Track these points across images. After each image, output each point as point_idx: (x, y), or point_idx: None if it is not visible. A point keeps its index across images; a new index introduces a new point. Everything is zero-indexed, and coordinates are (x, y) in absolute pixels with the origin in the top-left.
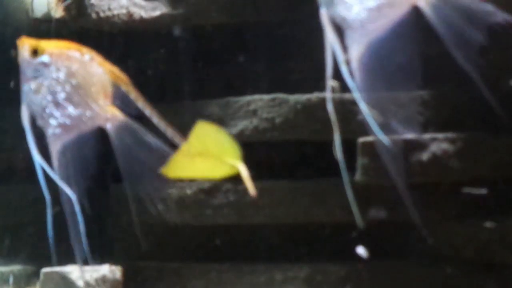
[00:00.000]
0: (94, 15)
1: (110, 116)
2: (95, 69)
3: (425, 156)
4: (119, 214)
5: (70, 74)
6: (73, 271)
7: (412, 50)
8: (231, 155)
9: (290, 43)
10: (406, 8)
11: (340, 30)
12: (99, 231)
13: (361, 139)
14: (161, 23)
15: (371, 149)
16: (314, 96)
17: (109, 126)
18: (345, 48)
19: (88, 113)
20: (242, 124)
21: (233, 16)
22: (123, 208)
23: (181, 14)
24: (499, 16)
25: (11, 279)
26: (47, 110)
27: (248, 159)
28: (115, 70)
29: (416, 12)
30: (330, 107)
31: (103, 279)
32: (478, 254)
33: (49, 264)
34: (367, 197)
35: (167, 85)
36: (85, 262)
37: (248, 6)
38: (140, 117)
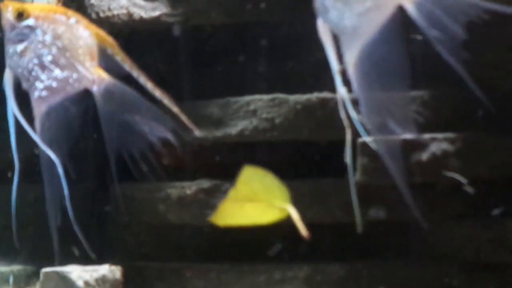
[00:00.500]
0: (94, 15)
1: (97, 78)
2: (81, 32)
3: (424, 156)
4: (119, 214)
5: (56, 37)
6: (73, 271)
7: (403, 50)
8: (280, 198)
9: (290, 43)
10: (392, 9)
11: (336, 38)
12: (99, 231)
13: (361, 139)
14: (161, 23)
15: (371, 149)
16: (314, 96)
17: (95, 89)
18: (341, 55)
19: (74, 75)
20: (242, 124)
21: (233, 16)
22: (123, 208)
23: (181, 14)
24: (483, 8)
25: (11, 279)
26: (33, 73)
27: (248, 159)
28: (102, 32)
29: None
30: (343, 114)
31: (103, 279)
32: (478, 254)
33: (49, 264)
34: (367, 197)
35: (167, 85)
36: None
37: (248, 6)
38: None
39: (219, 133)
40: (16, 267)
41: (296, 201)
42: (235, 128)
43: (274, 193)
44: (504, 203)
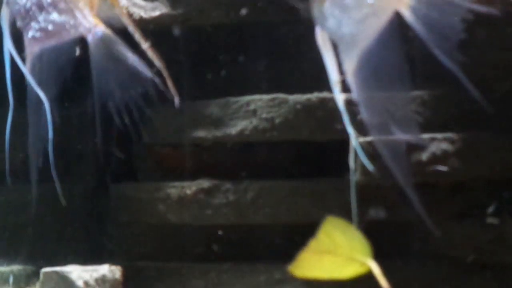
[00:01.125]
0: None
1: (93, 27)
2: None
3: (424, 156)
4: (119, 214)
5: None
6: (73, 271)
7: (401, 54)
8: (361, 252)
9: (290, 43)
10: (390, 15)
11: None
12: (99, 231)
13: (361, 139)
14: (161, 23)
15: (371, 149)
16: (314, 96)
17: (90, 37)
18: (340, 62)
19: (71, 21)
20: (242, 124)
21: (233, 16)
22: (123, 208)
23: (181, 14)
24: (477, 9)
25: (11, 279)
26: (30, 13)
27: (248, 159)
28: None
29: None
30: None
31: (103, 279)
32: (478, 254)
33: (49, 264)
34: (367, 197)
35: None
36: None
37: (248, 6)
38: None
39: (219, 133)
40: (16, 267)
41: (296, 201)
42: (235, 128)
43: (355, 246)
44: (504, 203)
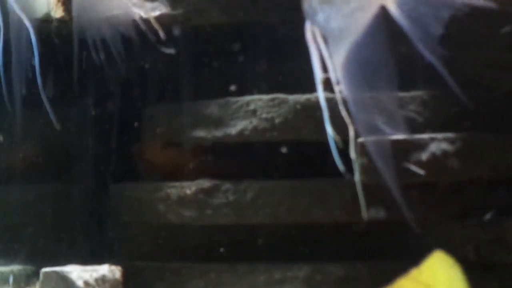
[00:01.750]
0: None
1: None
2: None
3: (424, 156)
4: (119, 214)
5: None
6: (73, 271)
7: (387, 50)
8: None
9: (290, 43)
10: (375, 9)
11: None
12: (99, 231)
13: (360, 139)
14: (161, 23)
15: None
16: (314, 96)
17: None
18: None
19: None
20: (242, 124)
21: (233, 16)
22: (123, 208)
23: (181, 14)
24: (466, 5)
25: (11, 279)
26: None
27: (248, 159)
28: None
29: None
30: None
31: (103, 279)
32: (478, 254)
33: (49, 264)
34: (366, 197)
35: (167, 85)
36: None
37: (248, 6)
38: None
39: (219, 133)
40: (16, 267)
41: (296, 201)
42: (235, 128)
43: (455, 286)
44: (504, 203)
